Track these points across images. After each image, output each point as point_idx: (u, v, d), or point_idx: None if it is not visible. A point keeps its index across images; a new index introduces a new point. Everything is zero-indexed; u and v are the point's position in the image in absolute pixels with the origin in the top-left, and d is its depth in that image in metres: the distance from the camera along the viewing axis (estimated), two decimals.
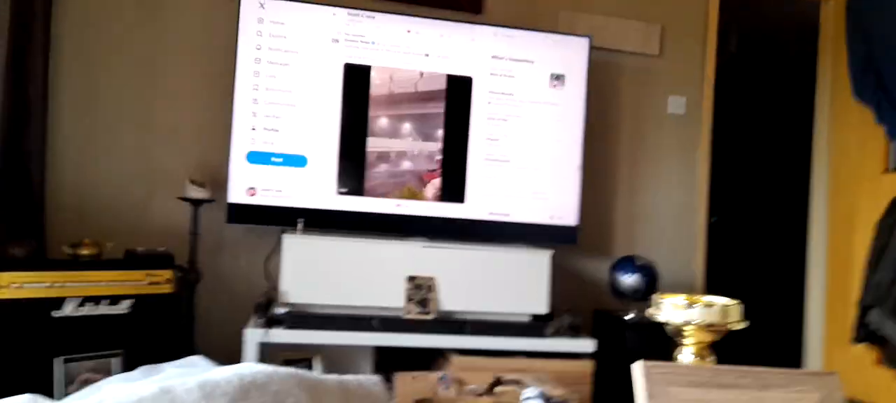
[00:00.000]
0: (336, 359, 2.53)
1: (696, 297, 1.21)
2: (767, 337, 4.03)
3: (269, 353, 2.43)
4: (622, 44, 3.30)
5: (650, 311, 1.22)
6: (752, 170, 4.39)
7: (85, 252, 2.41)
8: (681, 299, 1.18)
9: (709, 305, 1.17)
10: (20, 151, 2.56)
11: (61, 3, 2.75)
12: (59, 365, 2.19)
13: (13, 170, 2.52)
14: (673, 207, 3.39)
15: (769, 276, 4.24)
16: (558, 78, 2.92)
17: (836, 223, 3.41)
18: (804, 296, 3.60)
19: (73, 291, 2.27)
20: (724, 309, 1.16)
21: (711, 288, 3.51)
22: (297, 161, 2.71)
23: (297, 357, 2.43)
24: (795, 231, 3.81)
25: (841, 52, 3.34)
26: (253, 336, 2.40)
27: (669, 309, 1.18)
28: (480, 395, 2.42)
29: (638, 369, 1.06)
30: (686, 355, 1.19)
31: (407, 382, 2.39)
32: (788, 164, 4.11)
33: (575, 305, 2.86)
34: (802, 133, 3.74)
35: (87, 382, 2.17)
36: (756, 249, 4.35)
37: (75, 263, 2.37)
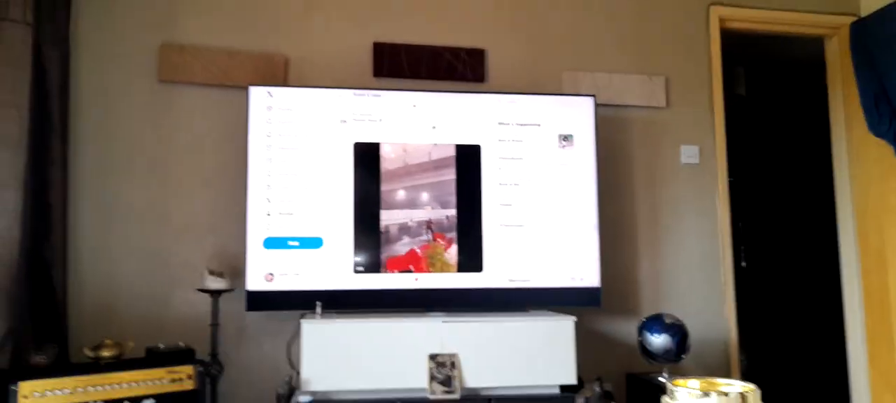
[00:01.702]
0: None
1: (714, 382, 1.14)
2: (812, 386, 3.85)
3: None
4: (628, 99, 3.27)
5: (665, 399, 1.16)
6: (775, 212, 4.27)
7: (106, 353, 2.41)
8: (696, 384, 1.12)
9: (726, 394, 1.10)
10: (42, 259, 2.61)
11: (78, 114, 2.82)
12: None
13: (36, 277, 2.57)
14: (697, 258, 3.30)
15: (805, 321, 4.08)
16: (566, 138, 2.90)
17: (869, 261, 3.27)
18: (845, 339, 3.45)
19: (95, 395, 2.27)
20: (740, 399, 1.10)
21: (745, 338, 3.38)
22: (313, 243, 2.72)
23: None
24: (827, 271, 3.68)
25: (851, 86, 3.27)
26: None
27: (684, 397, 1.12)
28: None
29: None
30: None
31: None
32: (812, 203, 3.99)
33: (605, 370, 2.77)
34: (823, 170, 3.65)
35: None
36: (788, 293, 4.19)
37: (96, 367, 2.37)
